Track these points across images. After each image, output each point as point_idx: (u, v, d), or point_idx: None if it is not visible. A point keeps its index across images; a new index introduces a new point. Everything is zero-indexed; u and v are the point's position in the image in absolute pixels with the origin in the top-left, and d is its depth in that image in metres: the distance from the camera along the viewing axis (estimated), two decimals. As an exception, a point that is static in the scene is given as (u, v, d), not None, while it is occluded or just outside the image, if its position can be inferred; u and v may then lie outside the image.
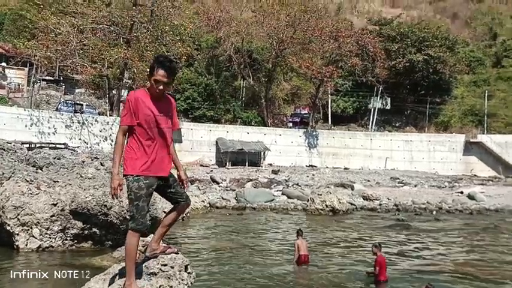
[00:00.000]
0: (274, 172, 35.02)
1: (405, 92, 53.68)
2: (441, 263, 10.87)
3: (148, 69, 3.93)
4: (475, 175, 42.48)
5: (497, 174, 43.15)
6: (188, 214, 16.20)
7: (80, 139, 36.18)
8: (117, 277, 3.73)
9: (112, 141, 37.64)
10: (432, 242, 13.88)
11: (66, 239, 9.80)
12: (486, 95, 50.47)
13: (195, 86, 46.80)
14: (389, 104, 52.94)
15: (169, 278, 3.68)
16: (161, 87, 3.82)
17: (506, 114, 51.17)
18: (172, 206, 4.13)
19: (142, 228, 3.74)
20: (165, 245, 4.18)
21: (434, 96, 52.13)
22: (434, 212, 22.08)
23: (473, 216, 21.53)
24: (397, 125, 54.06)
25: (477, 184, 33.88)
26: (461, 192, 28.28)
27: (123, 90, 40.74)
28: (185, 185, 4.11)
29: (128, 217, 3.74)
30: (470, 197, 26.30)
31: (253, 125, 46.83)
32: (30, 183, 9.79)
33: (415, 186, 32.16)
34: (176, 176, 4.12)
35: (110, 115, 38.89)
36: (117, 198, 3.81)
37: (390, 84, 50.66)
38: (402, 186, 31.43)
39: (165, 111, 3.93)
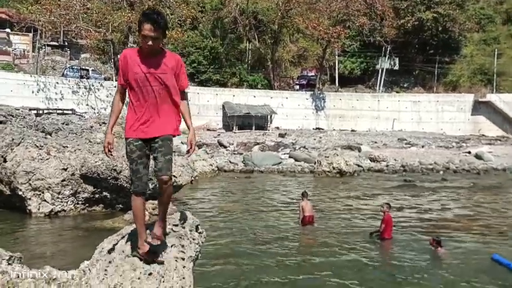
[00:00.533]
0: (281, 135, 35.06)
1: (414, 52, 52.78)
2: (447, 220, 10.98)
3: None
4: (483, 135, 42.31)
5: (505, 134, 42.94)
6: (197, 177, 16.39)
7: (87, 105, 36.26)
8: (129, 237, 3.81)
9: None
10: (438, 200, 13.98)
11: (77, 203, 9.98)
12: (496, 53, 49.50)
13: (200, 49, 46.27)
14: (397, 65, 52.13)
15: (180, 237, 3.76)
16: (150, 42, 3.48)
17: (517, 72, 50.37)
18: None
19: (140, 190, 3.64)
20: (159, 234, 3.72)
21: (443, 56, 51.19)
22: (441, 172, 22.15)
23: (481, 176, 21.58)
24: (405, 85, 53.42)
25: (485, 144, 33.78)
26: (469, 152, 28.25)
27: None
28: (191, 147, 3.86)
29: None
30: (478, 156, 26.30)
31: (259, 88, 46.53)
32: (40, 149, 9.89)
33: (423, 147, 32.13)
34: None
35: (116, 80, 38.75)
36: (109, 156, 3.70)
37: (398, 43, 49.73)
38: (409, 147, 31.42)
39: (161, 69, 3.62)
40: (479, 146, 31.11)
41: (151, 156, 3.73)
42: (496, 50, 50.07)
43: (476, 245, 8.58)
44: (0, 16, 47.77)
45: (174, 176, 10.69)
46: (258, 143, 29.72)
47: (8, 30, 46.07)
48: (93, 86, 36.96)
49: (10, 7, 45.82)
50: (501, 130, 44.09)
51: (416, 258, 7.55)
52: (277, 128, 41.31)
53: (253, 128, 39.34)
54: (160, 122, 3.71)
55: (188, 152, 3.90)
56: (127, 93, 3.76)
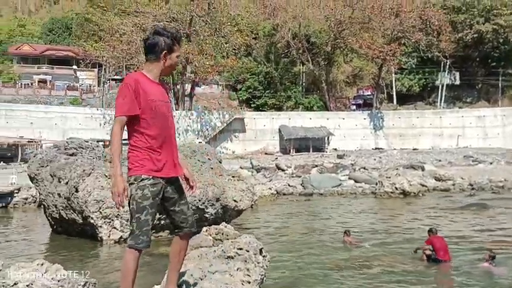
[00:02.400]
0: (340, 157, 34.63)
1: (475, 65, 50.90)
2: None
3: (172, 52, 3.15)
4: (558, 149, 39.60)
5: None
6: (257, 202, 16.49)
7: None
8: (197, 261, 3.93)
9: (179, 134, 38.96)
10: (508, 220, 13.18)
11: (144, 229, 10.34)
12: None
13: (255, 75, 47.19)
14: (458, 79, 50.41)
15: (245, 261, 3.83)
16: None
17: None
18: (175, 233, 3.49)
19: (143, 246, 3.16)
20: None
21: (506, 68, 48.93)
22: (513, 190, 20.91)
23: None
24: (467, 100, 51.41)
25: (561, 158, 31.59)
26: (543, 168, 26.52)
27: (186, 85, 41.92)
28: (192, 186, 3.43)
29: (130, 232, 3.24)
30: (553, 172, 24.62)
31: (315, 110, 46.50)
32: (109, 178, 10.41)
33: (491, 163, 30.53)
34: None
35: (176, 109, 40.18)
36: (123, 207, 3.06)
37: (458, 58, 48.17)
38: (476, 164, 29.99)
39: (166, 96, 3.34)
40: (555, 161, 29.14)
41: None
42: None
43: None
44: (67, 54, 51.40)
45: (235, 200, 10.87)
46: (316, 165, 29.52)
47: (74, 67, 49.34)
48: (154, 116, 38.53)
49: (76, 45, 49.13)
50: None
51: (470, 279, 7.17)
52: (335, 149, 40.91)
53: (311, 150, 39.19)
54: (177, 157, 3.36)
55: (192, 188, 3.46)
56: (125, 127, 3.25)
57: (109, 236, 9.95)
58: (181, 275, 3.81)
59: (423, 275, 7.61)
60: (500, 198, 18.40)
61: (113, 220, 10.02)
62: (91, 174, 10.49)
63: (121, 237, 9.98)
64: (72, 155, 11.31)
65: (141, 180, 3.08)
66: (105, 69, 44.58)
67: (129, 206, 3.11)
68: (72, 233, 10.65)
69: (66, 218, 10.43)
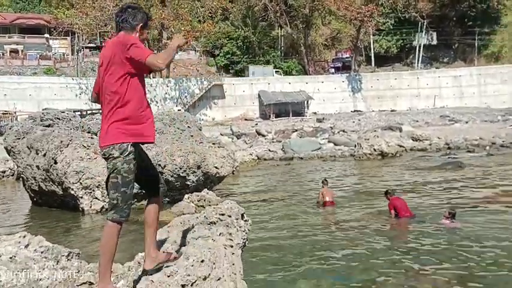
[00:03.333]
0: (319, 120, 34.87)
1: (451, 25, 51.09)
2: (493, 195, 10.70)
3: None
4: (530, 106, 40.59)
5: (556, 103, 41.04)
6: (238, 168, 16.61)
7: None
8: (180, 228, 3.99)
9: (157, 102, 38.52)
10: (484, 177, 13.60)
11: (126, 198, 10.37)
12: (541, 19, 47.19)
13: (233, 40, 46.52)
14: (435, 39, 50.64)
15: (227, 226, 3.90)
16: None
17: None
18: (150, 196, 3.40)
19: (126, 218, 3.11)
20: (165, 251, 3.45)
21: (482, 27, 49.29)
22: (487, 148, 21.44)
23: (530, 148, 20.77)
24: (444, 60, 51.87)
25: (534, 115, 32.41)
26: (516, 125, 27.23)
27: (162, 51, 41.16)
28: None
29: (108, 205, 3.20)
30: (526, 129, 25.31)
31: (294, 75, 46.32)
32: (88, 149, 10.31)
33: (467, 122, 31.21)
34: None
35: (153, 77, 39.56)
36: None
37: (435, 17, 48.24)
38: (453, 124, 30.59)
39: None
40: (527, 118, 29.90)
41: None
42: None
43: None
44: (39, 22, 49.69)
45: (216, 167, 10.93)
46: (296, 130, 29.72)
47: (47, 35, 47.78)
48: (131, 84, 37.94)
49: (47, 12, 47.46)
50: (550, 100, 42.19)
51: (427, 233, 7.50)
52: (315, 113, 41.11)
53: (291, 115, 39.31)
54: None
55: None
56: (124, 82, 3.06)
57: (90, 207, 9.94)
58: (164, 242, 3.87)
59: (390, 232, 7.95)
60: (475, 156, 18.89)
61: (93, 190, 10.00)
62: (69, 145, 10.37)
63: (103, 207, 9.99)
64: (48, 126, 11.14)
65: (128, 154, 3.01)
66: (78, 37, 43.32)
67: (112, 179, 3.02)
68: (53, 205, 10.60)
69: (46, 190, 10.36)
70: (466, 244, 6.94)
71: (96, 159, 10.14)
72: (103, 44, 46.06)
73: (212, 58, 49.12)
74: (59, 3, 43.56)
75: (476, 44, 49.31)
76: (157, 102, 38.82)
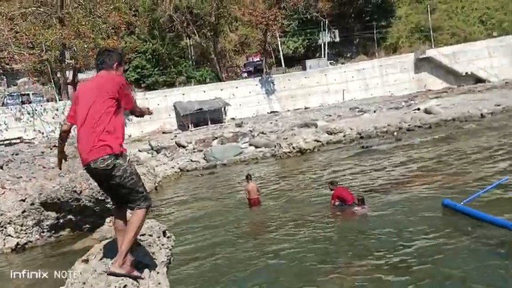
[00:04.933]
0: (238, 125, 35.16)
1: (351, 22, 53.92)
2: (403, 177, 11.47)
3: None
4: (429, 90, 43.93)
5: (450, 85, 44.74)
6: (161, 183, 16.30)
7: (34, 130, 35.09)
8: (99, 255, 3.84)
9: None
10: (394, 160, 14.53)
11: (43, 232, 9.77)
12: (429, 9, 51.29)
13: (141, 53, 45.54)
14: (337, 36, 53.14)
15: (149, 245, 3.83)
16: None
17: (450, 25, 52.40)
18: (120, 207, 3.77)
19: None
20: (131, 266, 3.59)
21: (379, 21, 52.59)
22: (395, 133, 22.92)
23: (432, 129, 22.49)
24: (348, 55, 54.61)
25: (432, 98, 35.09)
26: (418, 109, 29.31)
27: (67, 72, 39.28)
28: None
29: (139, 198, 3.55)
30: (427, 111, 27.34)
31: (208, 83, 46.34)
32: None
33: (374, 111, 33.05)
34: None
35: (60, 99, 37.65)
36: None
37: (335, 16, 50.69)
38: (362, 114, 32.24)
39: None
40: (427, 101, 32.29)
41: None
42: (429, 6, 51.83)
43: (430, 194, 9.06)
44: None
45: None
46: (216, 137, 29.73)
47: None
48: (36, 110, 35.76)
49: None
50: (445, 83, 45.90)
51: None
52: (233, 118, 41.37)
53: (209, 123, 39.23)
54: None
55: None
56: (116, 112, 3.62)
57: (4, 245, 9.25)
58: (84, 271, 3.71)
59: (328, 221, 8.22)
60: (385, 142, 20.09)
61: (5, 227, 9.32)
62: (-29, 183, 9.59)
63: (17, 244, 9.34)
64: None
65: (127, 158, 3.59)
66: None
67: (130, 181, 3.51)
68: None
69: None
70: (378, 228, 7.40)
71: (5, 194, 9.47)
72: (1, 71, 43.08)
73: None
74: None
75: (375, 38, 52.46)
76: (68, 126, 36.91)
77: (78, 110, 3.64)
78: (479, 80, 44.03)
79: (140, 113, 3.95)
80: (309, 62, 47.99)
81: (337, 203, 8.95)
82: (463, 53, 45.87)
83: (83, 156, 3.50)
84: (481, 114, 24.48)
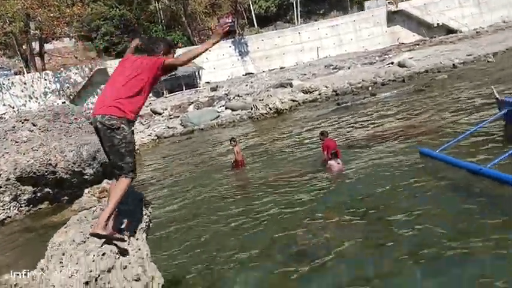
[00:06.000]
0: (213, 89, 34.83)
1: (322, -23, 53.02)
2: (381, 130, 11.63)
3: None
4: (402, 43, 44.00)
5: (422, 37, 44.87)
6: (138, 151, 16.18)
7: (4, 105, 34.12)
8: (77, 225, 3.83)
9: (37, 98, 35.81)
10: (370, 115, 14.69)
11: (21, 206, 9.65)
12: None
13: (109, 20, 44.13)
14: (309, -7, 52.30)
15: (128, 212, 3.82)
16: None
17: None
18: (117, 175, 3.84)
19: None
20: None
21: (350, -25, 51.84)
22: (370, 88, 23.05)
23: (406, 82, 22.68)
24: (321, 12, 53.93)
25: (405, 51, 35.22)
26: (392, 63, 29.45)
27: (33, 43, 37.93)
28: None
29: (127, 167, 3.63)
30: (401, 65, 27.50)
31: (180, 47, 45.43)
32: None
33: (349, 68, 33.07)
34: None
35: (28, 72, 36.50)
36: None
37: (305, -29, 49.68)
38: (337, 71, 32.23)
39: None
40: (401, 55, 32.41)
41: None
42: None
43: (407, 145, 9.24)
44: None
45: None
46: (192, 102, 29.46)
47: None
48: (3, 84, 34.64)
49: None
50: (417, 35, 45.97)
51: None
52: (208, 82, 40.92)
53: (184, 88, 38.74)
54: None
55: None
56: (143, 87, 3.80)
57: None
58: (63, 243, 3.70)
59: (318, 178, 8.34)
60: (359, 98, 20.22)
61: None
62: None
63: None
64: None
65: (132, 129, 3.71)
66: None
67: (126, 148, 3.63)
68: None
69: None
70: (356, 181, 7.55)
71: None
72: None
73: (90, 42, 46.32)
74: None
75: (347, -7, 51.98)
76: (37, 99, 35.98)
77: (114, 72, 4.00)
78: (450, 31, 44.20)
79: (194, 55, 3.88)
80: (367, 4, 47.93)
81: (324, 155, 8.94)
82: (434, 4, 45.80)
83: (96, 107, 3.69)
84: (453, 65, 24.74)
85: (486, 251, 4.36)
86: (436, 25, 45.03)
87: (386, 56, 35.23)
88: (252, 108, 21.67)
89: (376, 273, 4.42)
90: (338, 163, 8.55)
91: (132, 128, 3.76)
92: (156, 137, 20.80)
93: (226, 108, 25.44)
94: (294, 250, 5.39)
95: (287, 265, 4.98)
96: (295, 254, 5.28)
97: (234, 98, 28.73)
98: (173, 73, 38.93)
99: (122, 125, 3.59)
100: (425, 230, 5.15)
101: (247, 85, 33.71)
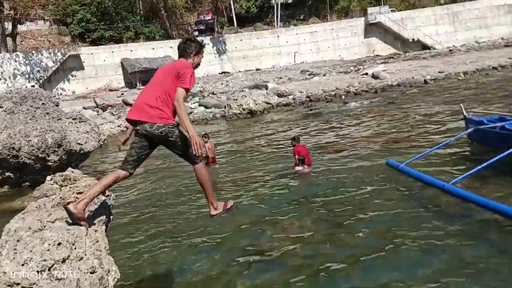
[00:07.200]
0: (188, 84, 34.53)
1: (303, -17, 53.38)
2: (348, 138, 11.81)
3: None
4: (377, 55, 44.78)
5: (397, 51, 45.77)
6: (106, 141, 15.88)
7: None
8: (36, 213, 3.72)
9: (5, 79, 34.77)
10: (340, 123, 14.89)
11: (-21, 189, 9.37)
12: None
13: (86, 6, 43.20)
14: (291, -3, 52.64)
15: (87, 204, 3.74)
16: None
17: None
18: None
19: None
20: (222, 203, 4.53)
21: (332, -17, 52.38)
22: (343, 97, 23.38)
23: (379, 94, 23.10)
24: (301, 17, 54.30)
25: (380, 63, 35.87)
26: (366, 74, 29.94)
27: (6, 23, 36.77)
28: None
29: (194, 157, 4.12)
30: (375, 76, 28.01)
31: (157, 40, 44.91)
32: None
33: (324, 75, 33.42)
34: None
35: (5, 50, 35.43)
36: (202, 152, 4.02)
37: (288, -24, 49.91)
38: (312, 78, 32.55)
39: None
40: (375, 66, 32.99)
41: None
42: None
43: (374, 154, 9.40)
44: None
45: (79, 143, 10.34)
46: (165, 96, 29.09)
47: None
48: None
49: None
50: (393, 48, 46.85)
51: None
52: (183, 77, 40.54)
53: (158, 81, 38.27)
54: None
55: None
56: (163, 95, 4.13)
57: None
58: (19, 229, 3.59)
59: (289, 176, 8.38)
60: (332, 106, 20.48)
61: None
62: None
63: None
64: None
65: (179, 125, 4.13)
66: None
67: (185, 142, 4.13)
68: None
69: None
70: (321, 186, 7.65)
71: None
72: None
73: (65, 27, 45.22)
74: None
75: (328, 0, 52.42)
76: (5, 80, 34.89)
77: (153, 78, 4.32)
78: (425, 47, 45.27)
79: (183, 110, 4.08)
80: (370, 10, 47.84)
81: (296, 160, 9.00)
82: (411, 20, 46.84)
83: (134, 111, 4.34)
84: (425, 81, 25.34)
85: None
86: (411, 40, 46.03)
87: (361, 67, 35.77)
88: (225, 107, 21.62)
89: (324, 267, 4.54)
90: (305, 168, 8.66)
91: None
92: (125, 128, 20.43)
93: (199, 105, 25.27)
94: (248, 244, 5.50)
95: (239, 257, 5.15)
96: (249, 247, 5.41)
97: (208, 95, 28.59)
98: (148, 65, 38.55)
99: (173, 129, 4.17)
100: (377, 225, 5.30)
101: (222, 83, 33.64)
